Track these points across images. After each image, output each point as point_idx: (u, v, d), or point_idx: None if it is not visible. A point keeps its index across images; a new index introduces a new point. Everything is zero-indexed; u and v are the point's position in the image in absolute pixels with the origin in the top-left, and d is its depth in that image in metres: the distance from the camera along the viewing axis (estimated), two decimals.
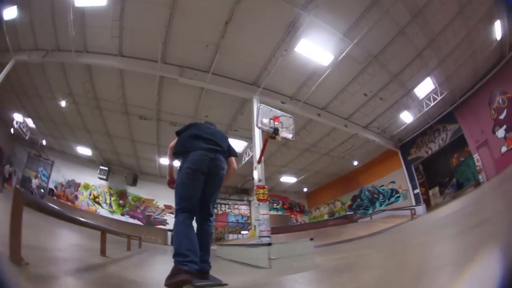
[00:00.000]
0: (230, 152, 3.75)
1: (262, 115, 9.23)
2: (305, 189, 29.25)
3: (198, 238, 2.89)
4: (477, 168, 14.52)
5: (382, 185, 20.91)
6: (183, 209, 2.95)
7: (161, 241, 22.24)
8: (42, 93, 15.97)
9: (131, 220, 24.25)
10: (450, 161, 17.90)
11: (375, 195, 21.63)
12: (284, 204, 29.92)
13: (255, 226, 25.84)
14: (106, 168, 23.90)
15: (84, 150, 22.73)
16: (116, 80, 14.16)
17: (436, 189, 18.42)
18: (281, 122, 9.29)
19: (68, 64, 13.29)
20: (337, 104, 14.99)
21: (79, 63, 12.81)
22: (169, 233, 22.80)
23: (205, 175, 3.11)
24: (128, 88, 14.77)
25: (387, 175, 20.35)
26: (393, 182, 19.95)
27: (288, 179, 25.05)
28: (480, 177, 14.37)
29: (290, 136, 9.45)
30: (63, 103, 15.68)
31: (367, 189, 22.43)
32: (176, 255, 2.67)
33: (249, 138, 15.56)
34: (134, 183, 24.44)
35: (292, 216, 29.80)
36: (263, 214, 10.10)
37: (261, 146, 10.88)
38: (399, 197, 19.29)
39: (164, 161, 20.42)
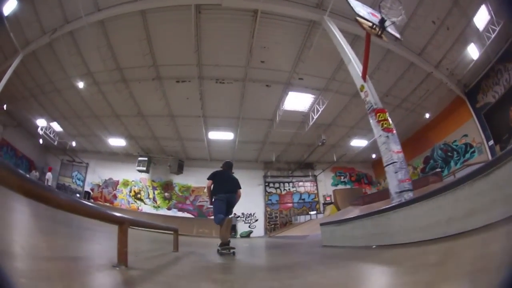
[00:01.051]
0: (238, 187, 7.13)
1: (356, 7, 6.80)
2: (373, 156, 25.10)
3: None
4: None
5: (455, 141, 17.95)
6: (219, 214, 6.30)
7: (217, 234, 18.92)
8: (57, 82, 14.70)
9: (180, 214, 21.83)
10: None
11: (449, 153, 18.68)
12: (351, 176, 26.39)
13: (323, 204, 22.84)
14: (146, 159, 21.29)
15: (117, 142, 20.20)
16: (139, 34, 11.43)
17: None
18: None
19: (80, 35, 11.63)
20: (411, 32, 11.98)
21: (91, 23, 10.91)
22: None
23: (225, 203, 6.53)
24: (156, 44, 12.02)
25: (458, 128, 17.68)
26: (465, 135, 17.23)
27: (359, 143, 21.40)
28: None
29: (398, 35, 7.62)
30: (81, 85, 13.81)
31: (440, 148, 19.53)
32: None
33: (316, 89, 14.39)
34: (180, 170, 21.51)
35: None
36: (397, 152, 6.30)
37: (364, 53, 7.39)
38: (474, 152, 16.77)
39: (214, 135, 18.58)
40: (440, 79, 15.02)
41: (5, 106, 16.22)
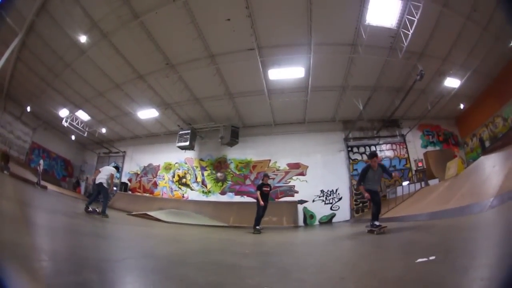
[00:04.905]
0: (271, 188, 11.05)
1: None
2: (461, 106, 20.07)
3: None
4: None
5: None
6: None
7: (289, 222, 15.31)
8: (65, 54, 13.37)
9: (237, 198, 17.56)
10: None
11: None
12: (439, 136, 21.32)
13: (415, 172, 18.21)
14: (188, 131, 17.20)
15: (148, 113, 16.84)
16: None
17: None
18: None
19: None
20: None
21: None
22: (300, 207, 16.05)
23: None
24: None
25: None
26: None
27: (452, 82, 16.39)
28: None
29: None
30: (88, 42, 12.13)
31: None
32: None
33: None
34: (234, 140, 16.89)
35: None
36: None
37: None
38: None
39: (276, 74, 13.20)
40: None
41: (28, 108, 17.26)
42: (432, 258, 2.99)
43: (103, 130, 19.47)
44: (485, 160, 10.90)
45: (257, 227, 10.10)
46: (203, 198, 18.07)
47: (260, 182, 11.09)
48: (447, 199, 8.78)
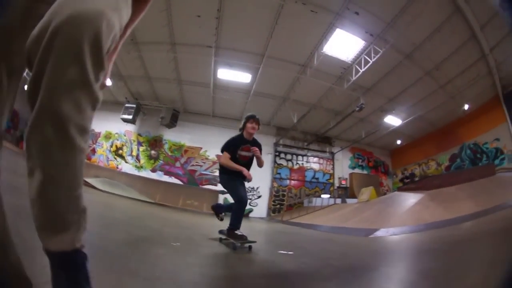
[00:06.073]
0: None
1: None
2: (398, 142, 22.49)
3: None
4: None
5: (486, 143, 17.33)
6: None
7: (209, 209, 15.95)
8: None
9: (165, 178, 18.07)
10: None
11: (478, 155, 17.97)
12: (369, 161, 23.50)
13: (337, 188, 19.90)
14: (134, 105, 17.29)
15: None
16: None
17: None
18: None
19: None
20: None
21: None
22: (221, 196, 16.75)
23: None
24: None
25: (490, 130, 17.00)
26: (497, 139, 16.57)
27: (393, 121, 18.53)
28: None
29: None
30: None
31: (469, 147, 18.60)
32: None
33: (369, 34, 11.28)
34: (173, 123, 17.49)
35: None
36: None
37: None
38: (503, 159, 16.15)
39: (225, 74, 14.25)
40: (491, 67, 13.56)
41: None
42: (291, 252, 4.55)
43: None
44: (396, 195, 12.73)
45: (238, 232, 4.40)
46: (135, 172, 18.17)
47: (238, 134, 5.12)
48: (348, 219, 10.16)
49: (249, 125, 4.94)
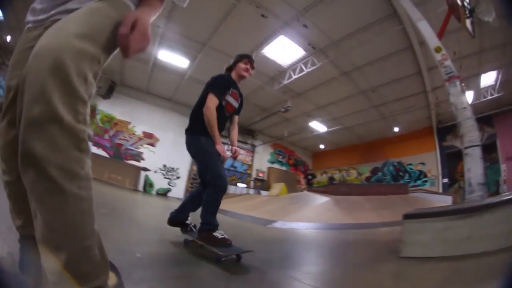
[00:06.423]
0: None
1: None
2: (322, 146, 24.40)
3: None
4: (503, 178, 14.29)
5: (410, 164, 19.32)
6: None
7: (131, 184, 16.38)
8: None
9: (94, 149, 17.23)
10: None
11: (400, 173, 19.86)
12: (289, 159, 24.76)
13: (254, 179, 21.40)
14: None
15: None
16: None
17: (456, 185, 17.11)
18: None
19: None
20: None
21: None
22: (143, 173, 17.03)
23: None
24: None
25: (417, 154, 19.00)
26: (423, 163, 18.59)
27: (318, 127, 19.81)
28: (503, 188, 14.00)
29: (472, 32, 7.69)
30: None
31: (393, 164, 20.49)
32: None
33: (312, 47, 11.85)
34: (108, 94, 17.24)
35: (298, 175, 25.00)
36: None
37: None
38: (426, 181, 18.03)
39: (165, 56, 14.15)
40: (430, 103, 15.13)
41: None
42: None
43: (8, 38, 15.51)
44: (304, 194, 13.81)
45: (218, 234, 2.88)
46: None
47: (224, 72, 3.81)
48: (255, 208, 11.01)
49: (242, 65, 3.55)
